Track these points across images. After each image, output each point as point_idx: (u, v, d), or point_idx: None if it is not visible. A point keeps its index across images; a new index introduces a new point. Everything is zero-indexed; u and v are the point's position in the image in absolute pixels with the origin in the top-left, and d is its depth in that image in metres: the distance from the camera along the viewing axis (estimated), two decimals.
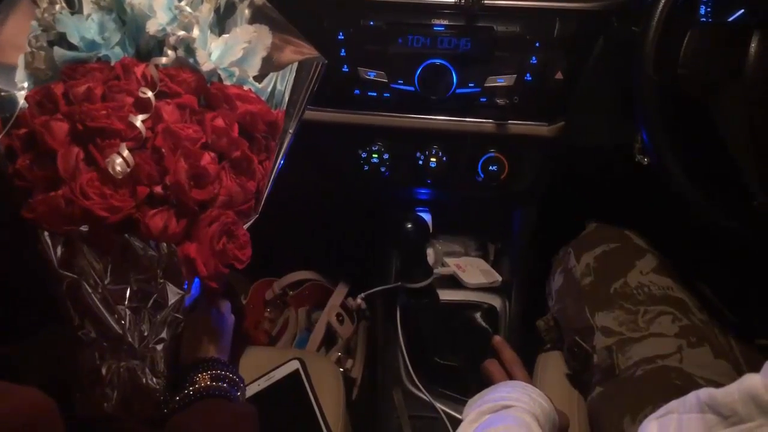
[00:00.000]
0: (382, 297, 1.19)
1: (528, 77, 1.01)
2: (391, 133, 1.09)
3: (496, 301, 1.18)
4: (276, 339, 1.37)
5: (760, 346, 0.96)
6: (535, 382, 0.98)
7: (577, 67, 1.01)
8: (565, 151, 1.10)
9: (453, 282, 1.20)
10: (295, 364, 0.97)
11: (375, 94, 1.06)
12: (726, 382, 0.83)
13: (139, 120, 0.70)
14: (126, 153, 0.68)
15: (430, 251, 1.19)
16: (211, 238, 0.72)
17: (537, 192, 1.16)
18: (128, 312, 0.73)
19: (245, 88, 0.80)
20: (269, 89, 0.84)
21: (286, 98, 0.84)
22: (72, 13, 0.75)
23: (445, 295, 1.15)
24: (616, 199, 1.17)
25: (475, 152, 1.09)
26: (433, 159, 1.09)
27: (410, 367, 1.06)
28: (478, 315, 1.17)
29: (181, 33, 0.74)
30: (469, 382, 1.05)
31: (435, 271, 1.13)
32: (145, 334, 0.75)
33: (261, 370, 0.98)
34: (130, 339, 0.74)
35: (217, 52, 0.78)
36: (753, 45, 0.82)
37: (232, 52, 0.78)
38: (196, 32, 0.75)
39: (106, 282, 0.72)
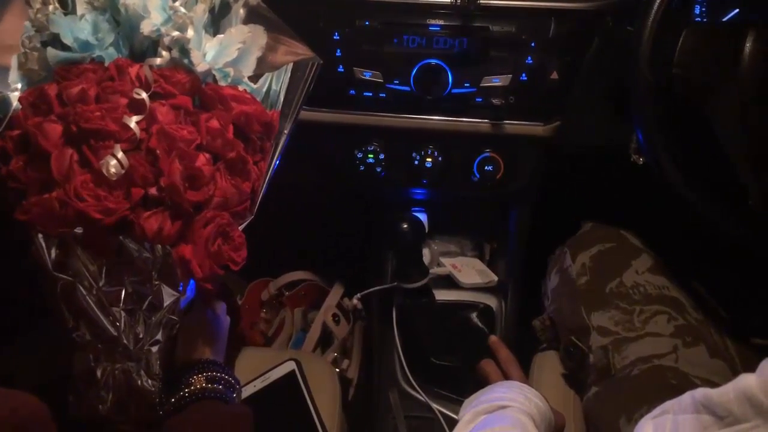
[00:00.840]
0: (378, 297, 1.19)
1: (523, 77, 1.01)
2: (387, 133, 1.09)
3: (492, 301, 1.18)
4: (272, 339, 1.37)
5: (755, 346, 0.96)
6: (531, 382, 0.98)
7: (573, 67, 1.01)
8: (560, 151, 1.10)
9: (449, 282, 1.19)
10: (291, 365, 0.97)
11: (371, 94, 1.05)
12: (721, 382, 0.83)
13: (133, 121, 0.69)
14: (120, 154, 0.68)
15: (426, 251, 1.19)
16: (206, 240, 0.72)
17: (532, 192, 1.16)
18: (123, 314, 0.73)
19: (240, 88, 0.80)
20: (264, 90, 0.83)
21: (282, 99, 0.84)
22: (65, 14, 0.74)
23: (441, 295, 1.15)
24: (612, 198, 1.17)
25: (471, 152, 1.09)
26: (428, 159, 1.09)
27: (406, 368, 1.06)
28: (474, 315, 1.17)
29: (176, 33, 0.74)
30: (465, 383, 1.04)
31: (431, 271, 1.13)
32: (140, 335, 0.74)
33: (257, 371, 0.97)
34: (125, 341, 0.74)
35: (211, 53, 0.78)
36: (747, 45, 0.82)
37: (226, 52, 0.78)
38: (190, 33, 0.75)
39: (100, 284, 0.72)
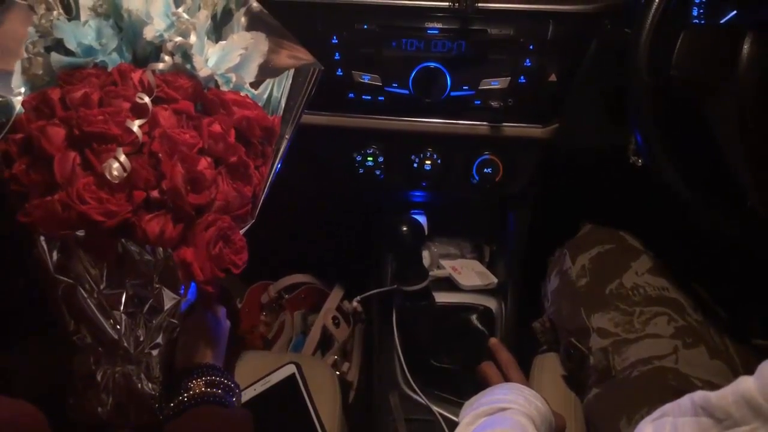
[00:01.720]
0: (378, 300, 1.20)
1: (522, 80, 1.02)
2: (386, 136, 1.10)
3: (491, 303, 1.18)
4: (272, 342, 1.37)
5: (755, 346, 0.96)
6: (531, 384, 0.98)
7: (571, 69, 1.02)
8: (559, 153, 1.10)
9: (449, 284, 1.20)
10: (291, 368, 0.97)
11: (369, 97, 1.06)
12: (721, 383, 0.84)
13: (135, 125, 0.70)
14: (123, 158, 0.68)
15: (425, 253, 1.20)
16: (207, 243, 0.72)
17: (531, 193, 1.17)
18: (124, 317, 0.74)
19: (242, 94, 0.81)
20: (265, 96, 0.84)
21: (283, 104, 0.84)
22: (69, 19, 0.75)
23: (441, 297, 1.15)
24: (610, 199, 1.18)
25: (470, 155, 1.09)
26: (427, 162, 1.10)
27: (407, 370, 1.06)
28: (474, 317, 1.17)
29: (178, 39, 0.74)
30: (465, 385, 1.05)
31: (431, 273, 1.13)
32: (141, 339, 0.75)
33: (257, 375, 0.98)
34: (125, 344, 0.74)
35: (213, 59, 0.78)
36: (745, 47, 0.82)
37: (228, 58, 0.79)
38: (193, 39, 0.75)
39: (101, 287, 0.72)
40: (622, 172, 1.02)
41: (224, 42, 0.80)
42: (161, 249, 0.71)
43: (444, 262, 1.23)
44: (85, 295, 0.72)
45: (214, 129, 0.74)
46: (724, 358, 0.89)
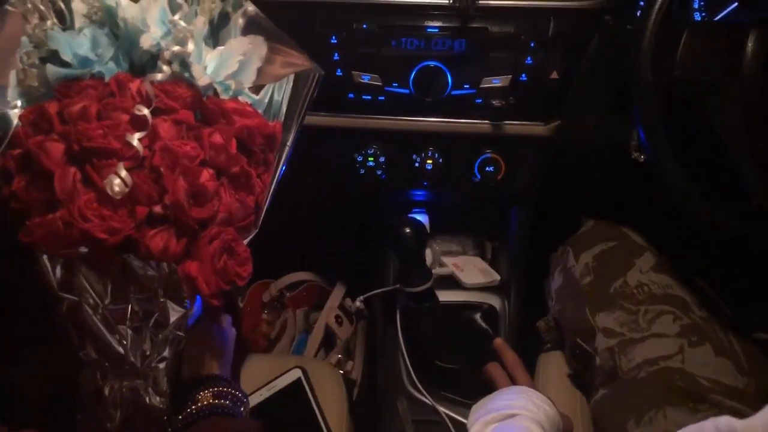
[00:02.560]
0: (380, 299, 1.19)
1: (523, 77, 1.01)
2: (387, 136, 1.09)
3: (495, 301, 1.18)
4: (274, 342, 1.37)
5: (758, 340, 0.96)
6: (536, 383, 0.99)
7: (573, 66, 1.01)
8: (561, 150, 1.09)
9: (451, 282, 1.20)
10: (296, 373, 0.97)
11: (369, 97, 1.05)
12: (727, 380, 0.84)
13: (135, 138, 0.69)
14: (124, 173, 0.67)
15: (427, 251, 1.19)
16: (212, 256, 0.71)
17: (534, 191, 1.16)
18: (129, 331, 0.73)
19: (241, 98, 0.80)
20: (266, 100, 0.83)
21: (284, 109, 0.83)
22: (63, 29, 0.73)
23: (445, 296, 1.15)
24: (613, 196, 1.17)
25: (472, 153, 1.09)
26: (429, 161, 1.09)
27: (412, 372, 1.06)
28: (478, 316, 1.17)
29: (176, 48, 0.73)
30: (470, 385, 1.05)
31: (433, 271, 1.13)
32: (147, 353, 0.74)
33: (263, 380, 0.98)
34: (132, 358, 0.73)
35: (212, 65, 0.77)
36: (750, 45, 0.82)
37: (227, 64, 0.77)
38: (191, 47, 0.74)
39: (106, 302, 0.71)
40: (624, 169, 1.02)
41: (222, 48, 0.79)
42: (165, 264, 0.70)
43: (446, 260, 1.23)
44: (90, 312, 0.71)
45: (215, 140, 0.73)
46: (729, 355, 0.89)
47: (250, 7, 0.83)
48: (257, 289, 1.46)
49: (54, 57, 0.73)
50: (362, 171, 1.10)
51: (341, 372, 1.26)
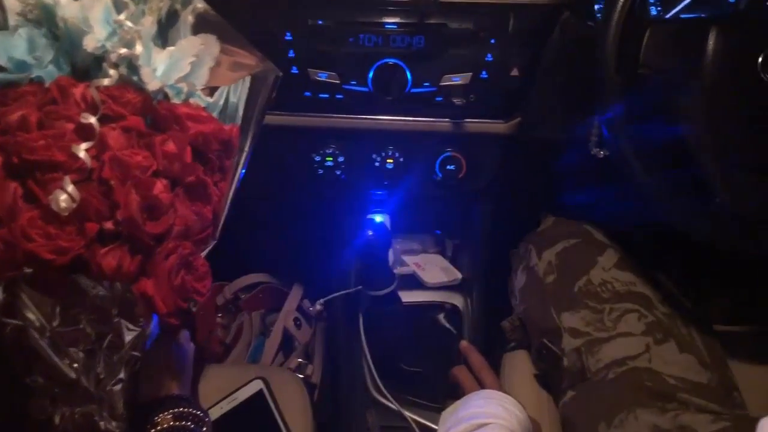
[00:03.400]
0: (342, 301, 1.16)
1: (484, 75, 0.99)
2: (346, 135, 1.06)
3: (458, 300, 1.17)
4: (230, 347, 1.32)
5: (718, 334, 0.98)
6: (503, 383, 0.98)
7: (533, 62, 0.99)
8: (521, 147, 1.08)
9: (413, 281, 1.18)
10: (258, 384, 0.93)
11: (327, 95, 1.01)
12: (692, 377, 0.85)
13: (82, 149, 0.64)
14: (71, 187, 0.62)
15: (389, 252, 1.16)
16: (168, 273, 0.67)
17: (495, 188, 1.15)
18: (81, 354, 0.68)
19: (192, 101, 0.75)
20: (221, 102, 0.78)
21: (241, 111, 0.79)
22: None
23: (407, 296, 1.13)
24: (573, 191, 1.17)
25: (432, 152, 1.07)
26: (389, 160, 1.06)
27: (376, 376, 1.04)
28: (441, 316, 1.16)
29: (123, 50, 0.68)
30: (437, 388, 1.03)
31: (394, 271, 1.10)
32: (102, 376, 0.69)
33: (222, 392, 0.94)
34: (84, 383, 0.69)
35: (162, 68, 0.72)
36: (710, 42, 0.82)
37: (178, 66, 0.73)
38: (139, 49, 0.69)
39: (54, 324, 0.66)
40: (585, 165, 1.02)
41: (172, 48, 0.74)
42: (119, 283, 0.65)
43: (406, 258, 1.21)
44: (36, 335, 0.66)
45: (168, 148, 0.68)
46: (693, 350, 0.89)
47: (200, 4, 0.78)
48: (210, 293, 1.41)
49: None
50: (321, 171, 1.07)
51: (301, 376, 1.23)
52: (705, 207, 0.85)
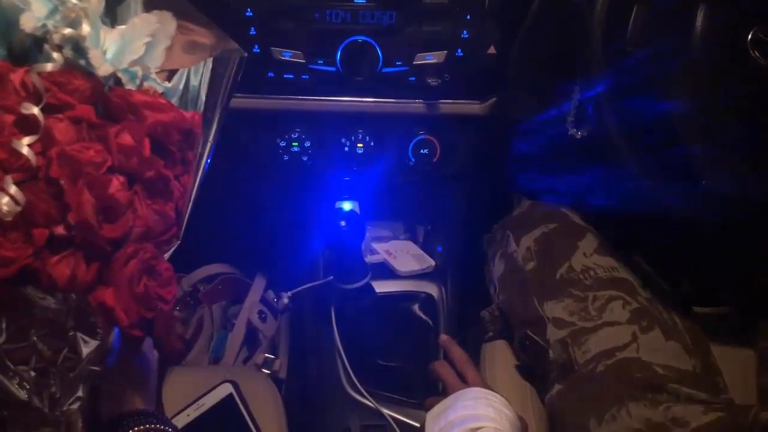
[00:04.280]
0: (311, 293, 1.10)
1: (459, 53, 0.94)
2: (312, 118, 1.00)
3: (432, 289, 1.12)
4: (191, 342, 1.25)
5: (697, 315, 0.96)
6: (483, 375, 0.94)
7: (510, 40, 0.94)
8: (497, 128, 1.04)
9: (385, 270, 1.13)
10: (227, 388, 0.87)
11: (292, 76, 0.95)
12: (679, 364, 0.83)
13: (25, 145, 0.56)
14: (13, 189, 0.54)
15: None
16: (129, 280, 0.60)
17: (470, 172, 1.10)
18: (32, 373, 0.61)
19: (147, 85, 0.68)
20: (181, 86, 0.71)
21: (203, 97, 0.72)
22: None
23: (379, 286, 1.08)
24: (549, 174, 1.13)
25: (405, 135, 1.02)
26: (359, 145, 1.01)
27: (352, 374, 0.99)
28: (416, 307, 1.11)
29: (67, 30, 0.60)
30: (415, 383, 0.99)
31: (365, 260, 1.05)
32: (57, 395, 0.63)
33: (189, 397, 0.88)
34: (37, 404, 0.62)
35: (113, 50, 0.64)
36: (699, 20, 0.79)
37: (131, 48, 0.65)
38: (86, 28, 0.61)
39: (1, 340, 0.59)
40: (561, 144, 0.98)
41: (123, 28, 0.66)
42: (74, 294, 0.58)
43: (377, 246, 1.15)
44: None
45: (123, 141, 0.61)
46: (677, 337, 0.87)
47: None
48: None
49: None
50: (286, 157, 1.01)
51: (268, 372, 1.18)
52: (691, 187, 0.83)
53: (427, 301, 1.11)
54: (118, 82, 0.65)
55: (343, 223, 0.93)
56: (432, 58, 0.93)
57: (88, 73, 0.62)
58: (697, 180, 0.82)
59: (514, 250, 0.99)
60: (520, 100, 1.01)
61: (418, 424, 0.84)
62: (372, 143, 1.01)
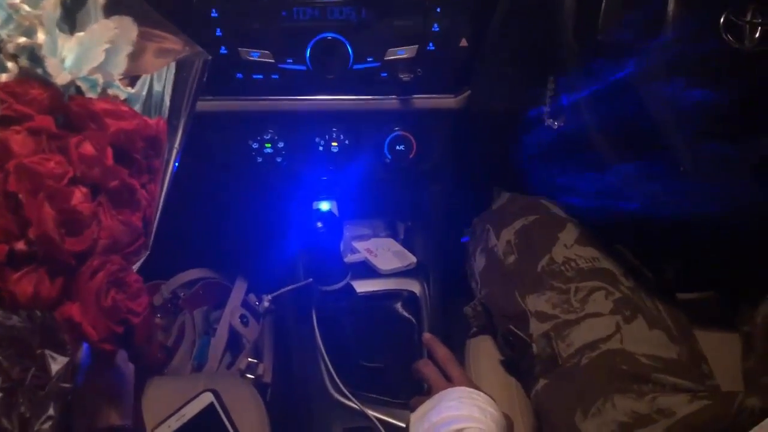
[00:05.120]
0: (291, 296, 1.09)
1: (431, 47, 0.93)
2: (284, 118, 0.98)
3: (414, 287, 1.11)
4: (172, 350, 1.23)
5: (679, 302, 0.96)
6: (468, 371, 0.93)
7: (482, 31, 0.93)
8: (473, 121, 1.02)
9: (366, 269, 1.11)
10: (208, 398, 0.85)
11: (261, 76, 0.93)
12: (664, 353, 0.82)
13: None
14: None
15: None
16: (96, 294, 0.59)
17: (447, 167, 1.09)
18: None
19: (111, 92, 0.66)
20: (144, 93, 0.69)
21: (167, 101, 0.70)
22: None
23: (361, 286, 1.06)
24: (526, 166, 1.12)
25: (380, 132, 1.00)
26: (334, 144, 0.99)
27: (335, 376, 0.98)
28: (398, 305, 1.09)
29: (22, 39, 0.58)
30: (400, 383, 0.98)
31: (345, 259, 1.04)
32: (27, 415, 0.61)
33: (169, 407, 0.85)
34: (7, 426, 0.60)
35: (71, 58, 0.62)
36: (670, 3, 0.78)
37: (90, 55, 0.63)
38: (41, 36, 0.59)
39: None
40: (538, 137, 0.97)
41: (82, 34, 0.64)
42: (38, 311, 0.56)
43: (357, 245, 1.14)
44: None
45: (85, 150, 0.59)
46: (661, 324, 0.87)
47: None
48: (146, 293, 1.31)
49: None
50: (259, 159, 0.99)
51: (252, 377, 1.16)
52: (668, 176, 0.82)
53: (409, 299, 1.10)
54: (79, 90, 0.64)
55: (319, 225, 0.91)
56: (403, 52, 0.92)
57: (46, 82, 0.61)
58: (676, 167, 0.81)
59: (495, 244, 0.98)
60: (495, 93, 1.00)
61: (403, 425, 0.84)
62: (347, 141, 0.99)
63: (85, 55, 0.63)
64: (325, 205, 1.06)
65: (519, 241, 0.97)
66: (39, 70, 0.60)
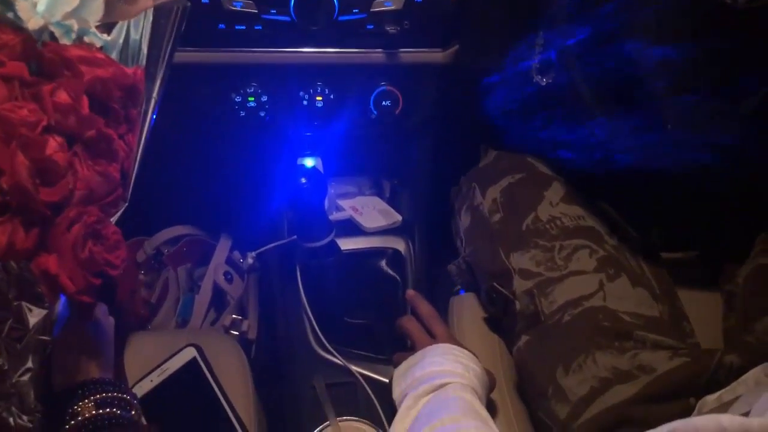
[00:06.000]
0: (276, 253, 1.08)
1: None
2: (268, 71, 0.96)
3: (399, 245, 1.10)
4: (156, 307, 1.23)
5: (664, 262, 0.96)
6: (452, 328, 0.94)
7: None
8: (460, 77, 1.01)
9: (351, 227, 1.10)
10: (190, 352, 0.86)
11: (244, 27, 0.91)
12: (646, 311, 0.82)
13: None
14: None
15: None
16: (73, 246, 0.57)
17: (434, 123, 1.07)
18: None
19: (87, 39, 0.64)
20: (120, 41, 0.67)
21: (144, 50, 0.68)
22: None
23: (346, 243, 1.06)
24: (514, 123, 1.11)
25: (366, 87, 0.98)
26: (318, 98, 0.97)
27: (319, 332, 0.97)
28: (383, 263, 1.09)
29: None
30: (383, 340, 0.98)
31: (330, 217, 1.03)
32: (5, 367, 0.60)
33: (152, 362, 0.86)
34: None
35: (44, 2, 0.60)
36: None
37: (64, 0, 0.61)
38: None
39: None
40: (528, 93, 0.96)
41: None
42: (14, 263, 0.55)
43: (342, 203, 1.13)
44: None
45: (60, 98, 0.58)
46: (644, 282, 0.87)
47: None
48: (129, 249, 1.30)
49: None
50: (242, 113, 0.97)
51: (237, 333, 1.16)
52: (653, 135, 0.82)
53: (394, 256, 1.10)
54: (52, 36, 0.61)
55: (303, 180, 0.90)
56: (390, 4, 0.90)
57: (18, 27, 0.59)
58: (663, 126, 0.80)
59: (480, 203, 0.97)
60: (483, 47, 0.98)
61: (386, 380, 0.84)
62: (332, 96, 0.97)
63: (59, 0, 0.61)
64: (309, 161, 1.05)
65: (505, 199, 0.96)
66: (10, 14, 0.58)
